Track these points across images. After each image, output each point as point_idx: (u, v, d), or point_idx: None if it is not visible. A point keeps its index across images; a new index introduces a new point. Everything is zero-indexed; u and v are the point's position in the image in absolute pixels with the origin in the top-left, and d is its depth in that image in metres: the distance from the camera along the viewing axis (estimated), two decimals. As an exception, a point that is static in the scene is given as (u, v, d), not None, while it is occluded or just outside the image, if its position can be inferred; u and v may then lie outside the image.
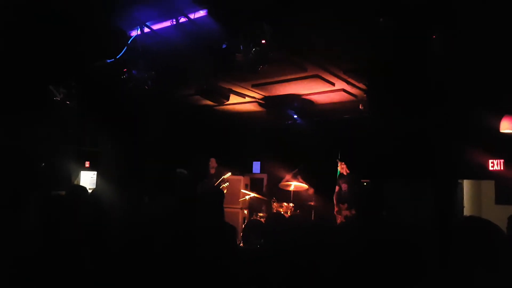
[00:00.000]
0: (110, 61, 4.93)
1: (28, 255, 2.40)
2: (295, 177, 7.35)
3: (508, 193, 5.44)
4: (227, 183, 7.31)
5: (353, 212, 6.80)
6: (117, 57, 4.82)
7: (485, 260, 1.76)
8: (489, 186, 6.87)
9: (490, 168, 5.19)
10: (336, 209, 7.04)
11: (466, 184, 7.19)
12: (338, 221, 6.92)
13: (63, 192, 3.63)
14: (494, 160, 5.14)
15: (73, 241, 2.55)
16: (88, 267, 2.50)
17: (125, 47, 4.67)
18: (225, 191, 6.92)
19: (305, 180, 7.47)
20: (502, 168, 5.14)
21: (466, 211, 6.80)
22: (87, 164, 7.48)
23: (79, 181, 7.36)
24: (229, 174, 7.38)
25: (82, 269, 2.48)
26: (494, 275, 1.73)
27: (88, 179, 7.46)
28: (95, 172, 7.54)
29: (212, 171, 7.55)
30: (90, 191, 3.86)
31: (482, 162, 5.14)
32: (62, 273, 2.35)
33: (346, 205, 6.88)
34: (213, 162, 7.59)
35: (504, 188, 5.60)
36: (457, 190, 6.00)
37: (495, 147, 5.00)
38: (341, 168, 7.01)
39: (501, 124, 4.73)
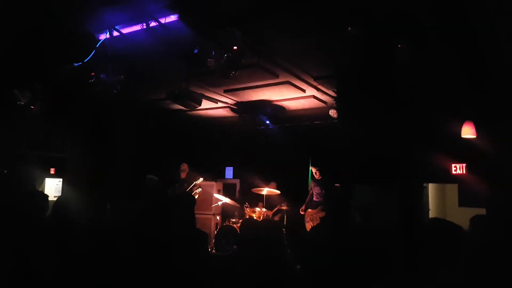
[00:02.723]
0: (78, 65, 4.79)
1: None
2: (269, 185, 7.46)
3: (471, 196, 5.67)
4: (200, 189, 7.22)
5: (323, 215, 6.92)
6: (85, 60, 4.69)
7: (449, 260, 1.83)
8: (452, 190, 7.15)
9: (453, 172, 5.39)
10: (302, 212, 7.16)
11: (431, 187, 7.45)
12: (306, 224, 7.03)
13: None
14: (456, 164, 5.34)
15: (32, 249, 2.44)
16: (50, 275, 2.40)
17: (93, 51, 4.55)
18: (197, 197, 6.84)
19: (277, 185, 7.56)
20: (464, 172, 5.35)
21: (431, 214, 7.05)
22: (52, 170, 7.19)
23: (43, 189, 7.06)
24: (201, 179, 7.29)
25: (44, 276, 2.38)
26: (458, 274, 1.80)
27: (53, 186, 7.17)
28: (61, 179, 7.26)
29: (183, 175, 7.44)
30: (55, 199, 3.72)
31: (445, 166, 5.33)
32: (23, 281, 2.25)
33: (319, 208, 6.99)
34: (184, 167, 7.48)
35: (466, 191, 5.84)
36: (423, 193, 6.21)
37: (458, 152, 5.20)
38: (314, 173, 7.13)
39: (463, 129, 4.95)
